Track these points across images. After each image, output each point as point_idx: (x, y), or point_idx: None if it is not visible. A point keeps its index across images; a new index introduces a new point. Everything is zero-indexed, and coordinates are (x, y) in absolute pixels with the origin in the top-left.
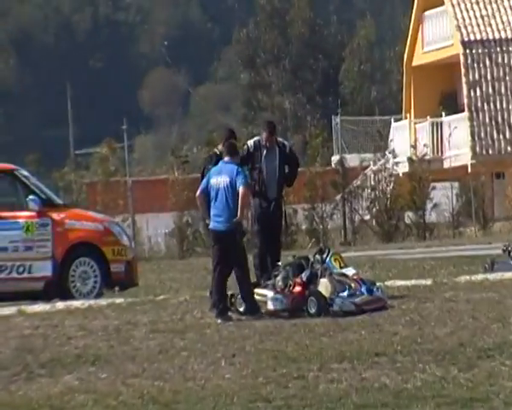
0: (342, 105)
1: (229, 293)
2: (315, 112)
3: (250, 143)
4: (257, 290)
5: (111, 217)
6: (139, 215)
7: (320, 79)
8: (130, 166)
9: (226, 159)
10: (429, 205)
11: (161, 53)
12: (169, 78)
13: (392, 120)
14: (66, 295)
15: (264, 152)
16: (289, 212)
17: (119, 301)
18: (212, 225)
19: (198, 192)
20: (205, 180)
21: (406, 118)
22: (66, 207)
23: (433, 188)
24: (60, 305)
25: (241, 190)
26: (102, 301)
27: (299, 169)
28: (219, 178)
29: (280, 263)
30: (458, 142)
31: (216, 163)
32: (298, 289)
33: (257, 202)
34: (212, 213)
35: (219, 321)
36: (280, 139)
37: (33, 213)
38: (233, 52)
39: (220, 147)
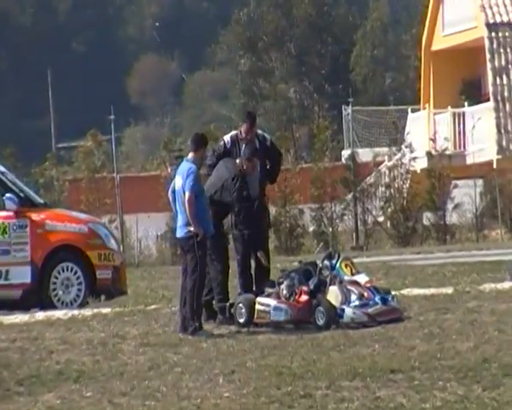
0: (353, 94)
1: (228, 303)
2: (323, 101)
3: (226, 138)
4: (259, 299)
5: (96, 217)
6: (128, 216)
7: (329, 64)
8: (118, 160)
9: (189, 156)
10: (450, 205)
11: (152, 36)
12: (161, 63)
13: (409, 110)
14: (47, 304)
15: (243, 147)
16: (295, 213)
17: (105, 311)
18: (177, 232)
19: (169, 193)
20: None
21: (424, 108)
22: (47, 207)
23: (455, 186)
24: (40, 315)
25: (186, 195)
26: (87, 312)
27: (308, 165)
28: (178, 180)
29: (284, 269)
30: (482, 135)
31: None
32: (304, 298)
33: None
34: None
35: (188, 337)
36: (259, 132)
37: (10, 214)
38: (232, 35)
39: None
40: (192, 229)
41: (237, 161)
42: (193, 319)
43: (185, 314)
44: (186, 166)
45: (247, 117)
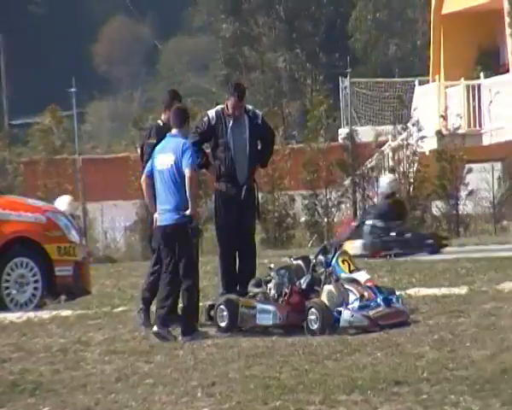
0: (352, 64)
1: (207, 304)
2: (317, 73)
3: (211, 113)
4: (243, 301)
5: (56, 206)
6: (92, 204)
7: (324, 30)
8: (81, 140)
9: (173, 131)
10: (464, 192)
11: None
12: (131, 28)
13: (417, 82)
14: None
15: (230, 123)
16: (284, 200)
17: (65, 313)
18: (159, 220)
19: (142, 177)
20: (150, 162)
21: (434, 80)
22: None
23: (469, 170)
24: None
25: (186, 173)
26: (45, 314)
27: (299, 146)
28: (163, 158)
29: (272, 266)
30: (501, 111)
31: (161, 138)
32: (295, 299)
33: (223, 188)
34: (158, 204)
35: (181, 339)
36: (249, 107)
37: None
38: None
39: (163, 116)
40: (188, 212)
41: None
42: (193, 319)
43: (163, 310)
44: (175, 141)
45: (234, 89)
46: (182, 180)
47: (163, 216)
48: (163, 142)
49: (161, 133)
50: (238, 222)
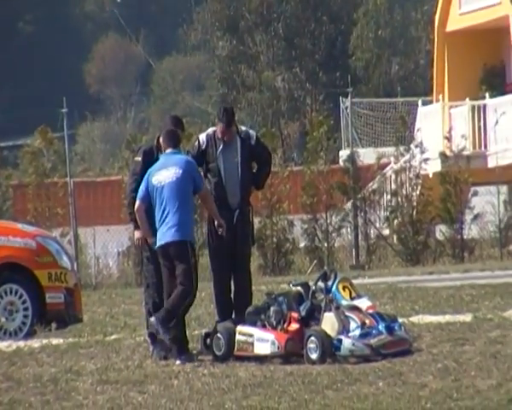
0: (353, 83)
1: (203, 332)
2: (317, 92)
3: (202, 137)
4: (240, 328)
5: (46, 230)
6: (83, 228)
7: (324, 48)
8: (72, 163)
9: (169, 151)
10: (469, 216)
11: (113, 14)
12: (123, 46)
13: (420, 102)
14: None
15: (221, 147)
16: (283, 225)
17: (56, 341)
18: (159, 239)
19: (137, 203)
20: (143, 185)
21: (438, 100)
22: None
23: (474, 193)
24: None
25: (202, 190)
26: (35, 343)
27: (298, 168)
28: (164, 173)
29: (270, 292)
30: (507, 132)
31: (149, 158)
32: (294, 326)
33: None
34: (157, 222)
35: (178, 362)
36: (243, 128)
37: None
38: (208, 13)
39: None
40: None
41: None
42: (165, 329)
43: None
44: (178, 156)
45: (222, 115)
46: (186, 194)
47: (167, 234)
48: (161, 159)
49: (151, 154)
50: (231, 248)
